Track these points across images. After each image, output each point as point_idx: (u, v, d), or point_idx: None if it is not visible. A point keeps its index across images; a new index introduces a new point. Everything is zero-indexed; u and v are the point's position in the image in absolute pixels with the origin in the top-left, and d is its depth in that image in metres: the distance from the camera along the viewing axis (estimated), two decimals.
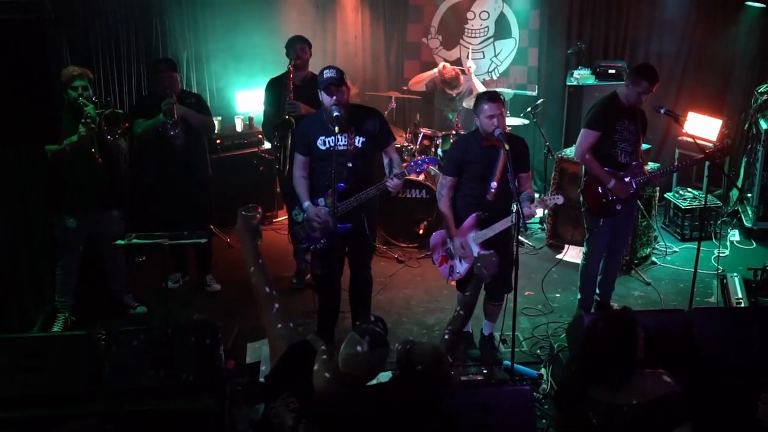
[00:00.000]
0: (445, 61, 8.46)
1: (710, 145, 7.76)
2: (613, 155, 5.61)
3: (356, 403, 2.75)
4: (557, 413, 3.37)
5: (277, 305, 3.09)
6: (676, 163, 8.09)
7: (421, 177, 7.31)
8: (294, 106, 6.20)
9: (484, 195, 5.11)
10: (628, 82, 5.55)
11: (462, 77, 7.98)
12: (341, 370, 2.71)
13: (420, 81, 8.13)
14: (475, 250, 5.07)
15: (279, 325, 3.02)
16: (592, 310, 6.05)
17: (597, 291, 6.11)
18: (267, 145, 7.95)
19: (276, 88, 6.40)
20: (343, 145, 5.01)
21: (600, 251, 5.92)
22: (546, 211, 7.64)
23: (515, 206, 4.77)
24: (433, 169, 7.32)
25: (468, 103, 7.53)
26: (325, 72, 4.95)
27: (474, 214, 5.12)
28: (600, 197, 5.64)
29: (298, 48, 6.32)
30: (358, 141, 5.08)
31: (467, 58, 8.34)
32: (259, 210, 3.36)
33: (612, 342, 3.12)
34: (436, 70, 8.08)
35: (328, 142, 5.01)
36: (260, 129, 7.71)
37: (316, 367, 2.77)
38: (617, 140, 5.58)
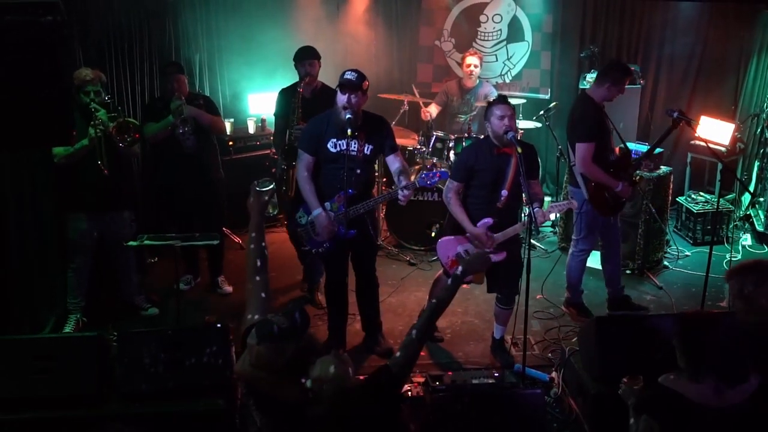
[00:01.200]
0: (458, 63, 8.46)
1: (723, 149, 7.77)
2: (606, 158, 5.71)
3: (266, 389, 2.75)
4: (653, 423, 3.17)
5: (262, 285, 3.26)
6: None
7: None
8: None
9: (495, 202, 5.12)
10: (608, 84, 5.65)
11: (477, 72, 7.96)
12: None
13: (429, 110, 7.98)
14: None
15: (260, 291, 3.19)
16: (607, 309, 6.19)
17: (607, 290, 6.24)
18: None
19: (287, 99, 6.27)
20: (354, 150, 5.00)
21: (591, 248, 6.09)
22: (559, 215, 7.62)
23: (527, 210, 4.76)
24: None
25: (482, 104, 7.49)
26: (346, 73, 4.93)
27: (486, 219, 5.09)
28: (607, 200, 5.73)
29: (307, 65, 6.13)
30: (367, 149, 5.09)
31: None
32: (273, 185, 3.65)
33: (728, 345, 3.09)
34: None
35: (340, 145, 5.00)
36: (272, 131, 7.70)
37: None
38: (606, 143, 5.72)
